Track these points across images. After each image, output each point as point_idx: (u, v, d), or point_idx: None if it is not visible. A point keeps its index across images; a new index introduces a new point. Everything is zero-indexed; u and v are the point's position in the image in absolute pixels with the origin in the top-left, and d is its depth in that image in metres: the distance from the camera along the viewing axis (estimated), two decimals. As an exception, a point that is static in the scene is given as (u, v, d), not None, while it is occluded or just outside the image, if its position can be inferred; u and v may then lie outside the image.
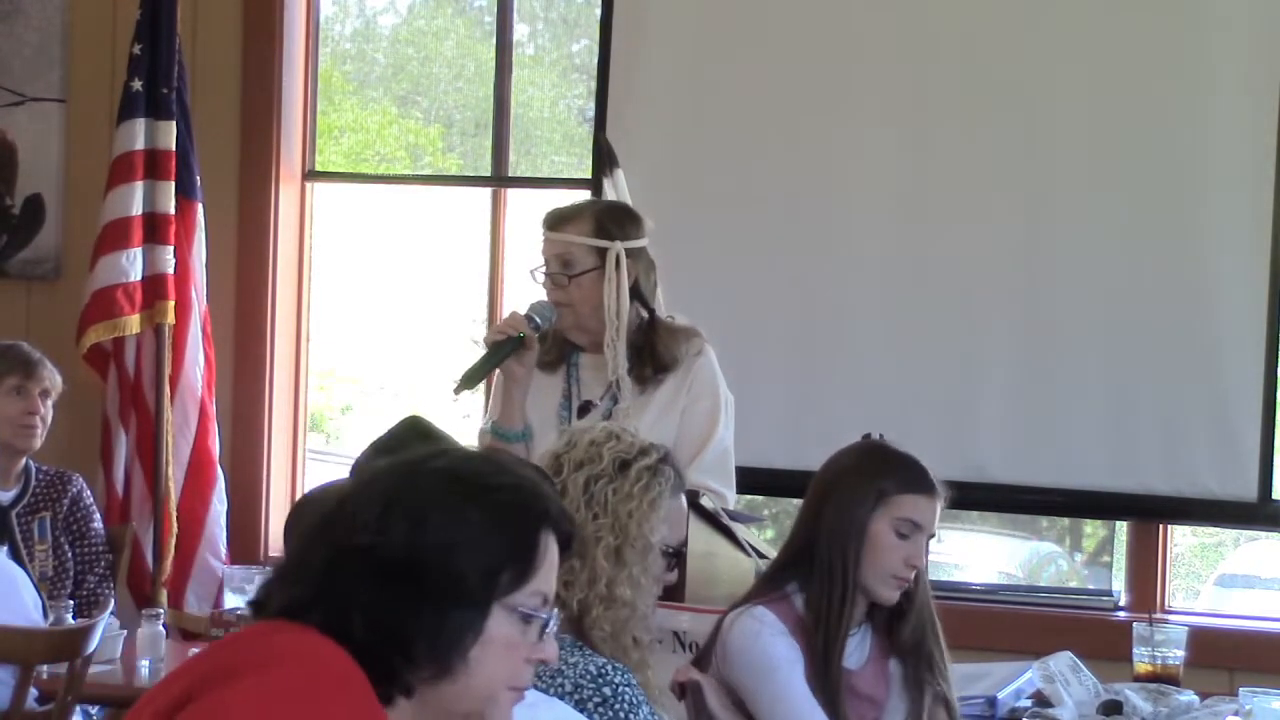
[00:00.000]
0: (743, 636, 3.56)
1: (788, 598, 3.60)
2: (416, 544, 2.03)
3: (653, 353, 4.34)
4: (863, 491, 3.58)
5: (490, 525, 2.06)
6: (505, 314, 4.52)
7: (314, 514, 2.14)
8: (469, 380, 4.27)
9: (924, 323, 5.51)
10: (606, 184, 5.02)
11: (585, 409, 4.33)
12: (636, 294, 4.34)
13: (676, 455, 3.32)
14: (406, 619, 2.02)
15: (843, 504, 3.58)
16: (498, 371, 4.37)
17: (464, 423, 5.71)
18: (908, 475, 3.60)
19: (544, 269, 4.36)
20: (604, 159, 5.05)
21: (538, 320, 4.32)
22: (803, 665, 3.54)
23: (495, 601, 2.05)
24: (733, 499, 4.38)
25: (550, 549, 2.11)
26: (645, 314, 4.36)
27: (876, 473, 3.60)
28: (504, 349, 4.29)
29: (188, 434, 5.90)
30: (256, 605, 2.11)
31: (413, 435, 3.20)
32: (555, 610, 2.14)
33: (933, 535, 3.64)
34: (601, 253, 4.32)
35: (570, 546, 2.17)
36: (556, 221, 4.38)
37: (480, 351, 4.32)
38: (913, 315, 5.52)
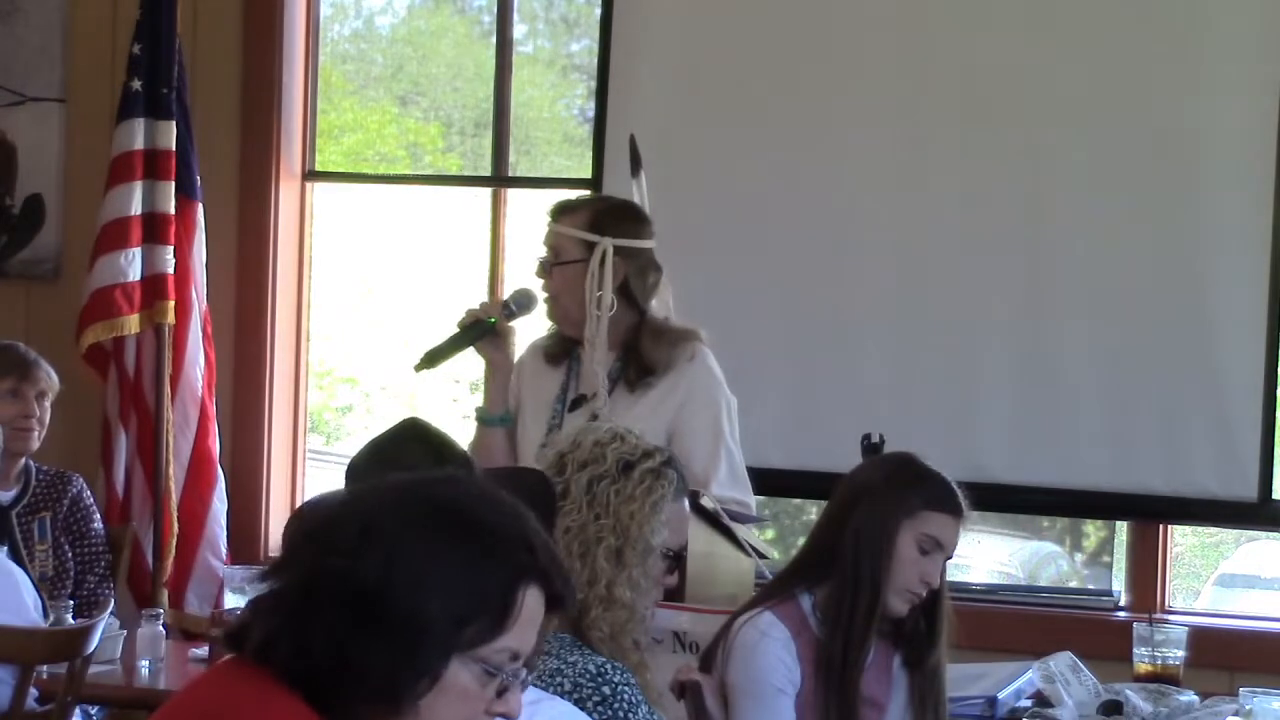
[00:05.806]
0: (744, 646, 3.58)
1: (795, 599, 3.61)
2: (387, 576, 1.95)
3: (637, 355, 4.35)
4: (893, 502, 3.59)
5: (467, 571, 1.97)
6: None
7: (308, 524, 2.08)
8: (430, 360, 4.31)
9: (924, 323, 5.51)
10: (633, 185, 4.82)
11: (578, 403, 4.35)
12: (625, 294, 4.34)
13: (688, 470, 3.29)
14: (365, 652, 1.94)
15: (873, 512, 3.58)
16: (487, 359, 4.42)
17: (464, 423, 5.70)
18: (938, 493, 3.62)
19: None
20: (632, 159, 4.86)
21: (513, 307, 4.35)
22: (798, 687, 3.56)
23: (457, 652, 1.96)
24: (754, 503, 4.39)
25: (530, 605, 2.01)
26: (636, 316, 4.36)
27: (908, 485, 3.62)
28: (472, 332, 4.33)
29: (188, 434, 5.89)
30: (233, 638, 2.03)
31: (410, 437, 3.20)
32: (526, 671, 2.03)
33: (950, 556, 3.65)
34: (590, 247, 4.32)
35: (562, 605, 2.05)
36: (556, 212, 4.42)
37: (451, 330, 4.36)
38: (913, 315, 5.52)
